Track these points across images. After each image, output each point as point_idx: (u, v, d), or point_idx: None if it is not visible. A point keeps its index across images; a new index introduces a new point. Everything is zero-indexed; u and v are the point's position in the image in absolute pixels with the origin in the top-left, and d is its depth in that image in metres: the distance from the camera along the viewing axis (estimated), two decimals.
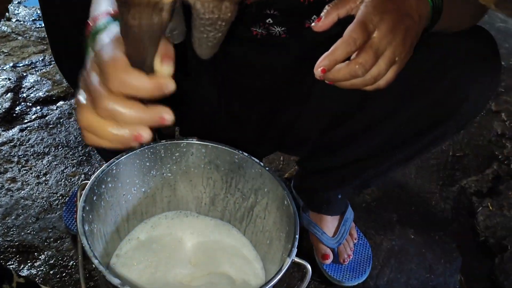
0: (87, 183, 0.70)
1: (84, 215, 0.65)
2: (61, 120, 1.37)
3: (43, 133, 1.32)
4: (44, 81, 1.51)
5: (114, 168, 0.74)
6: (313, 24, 0.60)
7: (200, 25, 0.33)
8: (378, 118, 0.78)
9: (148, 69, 0.44)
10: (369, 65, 0.56)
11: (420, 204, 1.30)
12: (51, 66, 1.58)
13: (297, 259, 0.66)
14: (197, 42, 0.35)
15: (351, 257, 1.07)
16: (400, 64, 0.59)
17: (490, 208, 1.31)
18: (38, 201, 1.13)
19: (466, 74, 0.69)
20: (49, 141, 1.30)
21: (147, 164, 0.79)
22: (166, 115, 0.45)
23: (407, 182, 1.36)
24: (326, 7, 0.60)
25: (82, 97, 0.47)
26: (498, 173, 1.45)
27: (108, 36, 0.47)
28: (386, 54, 0.56)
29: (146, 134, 0.46)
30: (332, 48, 0.56)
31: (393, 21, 0.56)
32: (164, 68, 0.44)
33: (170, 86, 0.44)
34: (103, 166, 0.72)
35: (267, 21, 0.75)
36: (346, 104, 0.81)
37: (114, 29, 0.48)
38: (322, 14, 0.60)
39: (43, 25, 0.85)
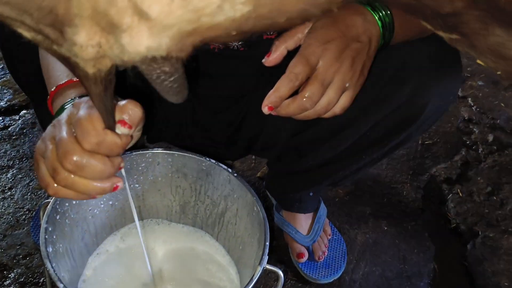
0: (49, 202, 0.68)
1: (47, 237, 0.63)
2: (24, 131, 1.33)
3: (6, 145, 1.28)
4: (5, 90, 1.46)
5: None
6: (263, 60, 0.62)
7: (149, 79, 0.33)
8: (343, 123, 0.78)
9: (110, 128, 0.48)
10: (316, 97, 0.57)
11: (392, 195, 1.31)
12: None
13: (268, 266, 0.66)
14: (160, 92, 0.36)
15: (326, 253, 1.07)
16: (354, 89, 0.60)
17: (460, 194, 1.33)
18: (4, 217, 1.10)
19: (427, 80, 0.70)
20: (13, 153, 1.26)
21: None
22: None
23: (378, 174, 1.37)
24: (275, 41, 0.61)
25: (43, 156, 0.49)
26: (467, 159, 1.47)
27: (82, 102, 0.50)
28: (335, 83, 0.57)
29: (121, 184, 0.51)
30: (276, 85, 0.57)
31: (338, 49, 0.57)
32: (122, 129, 0.48)
33: (129, 144, 0.50)
34: None
35: None
36: None
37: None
38: (271, 48, 0.61)
39: None
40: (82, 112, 0.47)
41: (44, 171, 0.49)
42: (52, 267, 0.59)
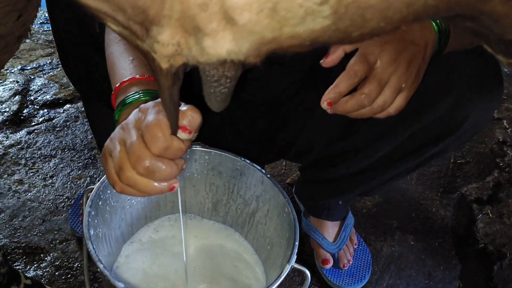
0: (93, 188, 0.72)
1: (90, 220, 0.67)
2: (68, 123, 1.39)
3: (50, 136, 1.35)
4: (51, 84, 1.54)
5: None
6: (321, 61, 0.63)
7: (206, 81, 0.35)
8: (381, 133, 0.79)
9: (174, 133, 0.50)
10: (374, 95, 0.58)
11: (420, 211, 1.31)
12: (58, 69, 1.61)
13: (296, 266, 0.68)
14: (207, 96, 0.38)
15: (351, 262, 1.08)
16: (409, 91, 0.61)
17: (490, 215, 1.32)
18: (44, 203, 1.16)
19: (469, 94, 0.71)
20: (56, 144, 1.32)
21: None
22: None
23: (408, 188, 1.37)
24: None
25: (111, 154, 0.53)
26: (499, 180, 1.46)
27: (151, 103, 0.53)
28: (391, 83, 0.59)
29: (177, 185, 0.53)
30: (335, 81, 0.59)
31: (395, 51, 0.58)
32: (182, 135, 0.51)
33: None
34: None
35: None
36: (349, 119, 0.82)
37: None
38: (329, 50, 0.63)
39: (50, 28, 0.87)
40: (150, 117, 0.50)
41: (111, 170, 0.52)
42: (93, 248, 0.63)
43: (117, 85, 0.64)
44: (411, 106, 0.73)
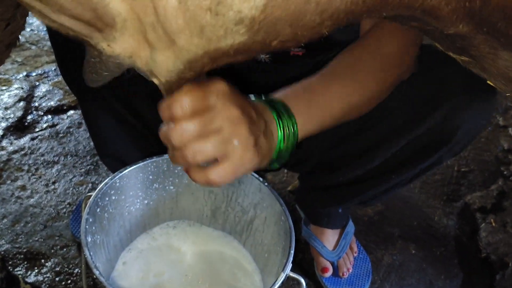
0: (91, 195, 0.72)
1: (87, 226, 0.68)
2: (71, 130, 1.41)
3: (53, 142, 1.36)
4: (55, 91, 1.55)
5: (118, 181, 0.76)
6: None
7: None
8: (376, 142, 0.80)
9: None
10: (194, 135, 0.55)
11: (422, 219, 1.31)
12: None
13: (291, 274, 0.68)
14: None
15: (350, 270, 1.08)
16: (233, 162, 0.56)
17: (493, 224, 1.31)
18: (46, 209, 1.16)
19: (460, 105, 0.71)
20: (59, 150, 1.33)
21: (150, 177, 0.81)
22: None
23: (410, 196, 1.37)
24: None
25: None
26: (503, 189, 1.45)
27: None
28: (224, 134, 0.56)
29: None
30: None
31: (241, 106, 0.57)
32: None
33: None
34: (107, 179, 0.75)
35: None
36: (346, 127, 0.83)
37: None
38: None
39: (45, 28, 0.88)
40: None
41: None
42: (90, 255, 0.63)
43: None
44: (402, 118, 0.73)
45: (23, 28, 0.61)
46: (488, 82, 0.29)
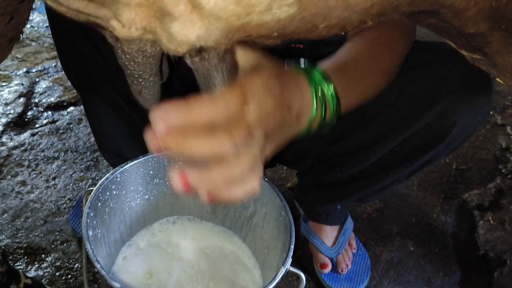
0: (92, 190, 0.73)
1: (88, 221, 0.68)
2: (71, 126, 1.41)
3: (53, 138, 1.36)
4: (55, 87, 1.55)
5: (119, 176, 0.77)
6: None
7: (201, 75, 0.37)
8: (373, 138, 0.80)
9: None
10: (239, 146, 0.45)
11: (421, 217, 1.31)
12: (63, 72, 1.62)
13: (291, 269, 0.68)
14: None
15: (349, 267, 1.09)
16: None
17: (491, 222, 1.31)
18: (46, 204, 1.17)
19: (456, 101, 0.71)
20: (59, 146, 1.34)
21: (151, 172, 0.82)
22: None
23: (409, 194, 1.37)
24: None
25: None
26: (501, 187, 1.45)
27: None
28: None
29: None
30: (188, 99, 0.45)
31: (275, 104, 0.48)
32: None
33: None
34: (108, 174, 0.75)
35: None
36: (343, 124, 0.83)
37: None
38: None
39: (48, 23, 0.88)
40: None
41: None
42: (92, 249, 0.64)
43: None
44: (399, 115, 0.73)
45: (26, 23, 0.61)
46: (497, 79, 0.29)
